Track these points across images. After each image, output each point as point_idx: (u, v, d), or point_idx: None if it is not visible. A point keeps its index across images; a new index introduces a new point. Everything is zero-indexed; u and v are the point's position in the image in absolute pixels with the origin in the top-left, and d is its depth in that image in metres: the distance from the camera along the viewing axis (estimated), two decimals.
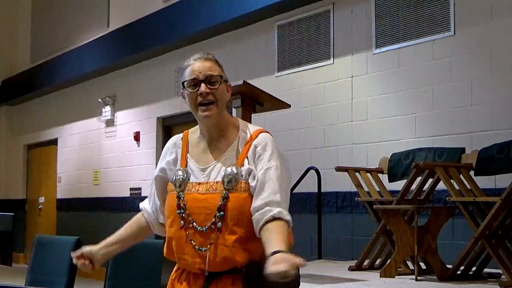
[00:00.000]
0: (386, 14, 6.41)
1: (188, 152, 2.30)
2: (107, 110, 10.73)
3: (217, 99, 2.21)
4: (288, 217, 2.12)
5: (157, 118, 9.70)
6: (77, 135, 11.79)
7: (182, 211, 2.18)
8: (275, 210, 2.09)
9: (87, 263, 2.38)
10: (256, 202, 2.12)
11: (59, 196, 12.28)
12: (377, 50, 6.48)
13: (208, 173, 2.22)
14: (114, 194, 10.51)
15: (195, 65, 2.24)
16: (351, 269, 5.24)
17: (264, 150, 2.19)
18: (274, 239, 2.03)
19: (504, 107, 5.42)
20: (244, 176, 2.16)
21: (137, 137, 10.05)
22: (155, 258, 4.32)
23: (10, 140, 14.10)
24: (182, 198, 2.20)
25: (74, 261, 2.38)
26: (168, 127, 9.68)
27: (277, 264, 1.88)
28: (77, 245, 4.45)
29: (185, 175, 2.23)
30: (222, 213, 2.12)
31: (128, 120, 10.35)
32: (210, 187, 2.18)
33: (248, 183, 2.16)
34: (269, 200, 2.11)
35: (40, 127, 13.08)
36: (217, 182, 2.18)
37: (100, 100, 10.84)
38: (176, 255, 2.23)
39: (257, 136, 2.22)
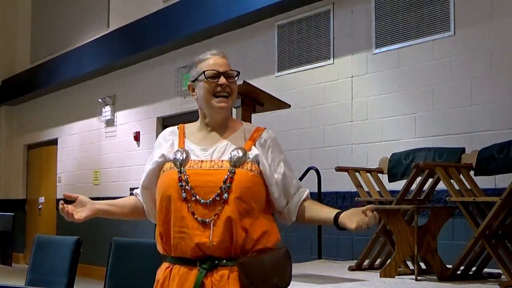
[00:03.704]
0: (386, 14, 6.41)
1: (185, 137, 2.38)
2: (107, 110, 10.74)
3: (233, 92, 2.34)
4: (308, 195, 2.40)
5: (157, 118, 9.70)
6: (77, 135, 11.79)
7: (184, 183, 2.22)
8: (307, 191, 2.38)
9: (70, 210, 2.46)
10: (291, 189, 2.35)
11: (59, 196, 12.27)
12: (377, 50, 6.48)
13: (210, 153, 2.29)
14: (114, 194, 10.51)
15: (214, 59, 2.35)
16: (351, 269, 5.24)
17: (274, 145, 2.36)
18: (325, 207, 2.37)
19: (504, 107, 5.42)
20: (251, 159, 2.26)
21: (137, 137, 10.05)
22: (155, 258, 4.32)
23: (10, 140, 14.10)
24: (184, 172, 2.24)
25: (60, 205, 2.42)
26: (168, 127, 9.67)
27: (358, 215, 2.29)
28: (77, 245, 4.44)
29: (185, 154, 2.30)
30: (229, 184, 2.19)
31: (128, 120, 10.35)
32: (215, 164, 2.25)
33: (256, 166, 2.26)
34: (298, 185, 2.38)
35: (40, 127, 13.08)
36: (222, 160, 2.25)
37: (100, 100, 10.84)
38: (173, 230, 2.22)
39: (265, 130, 2.37)
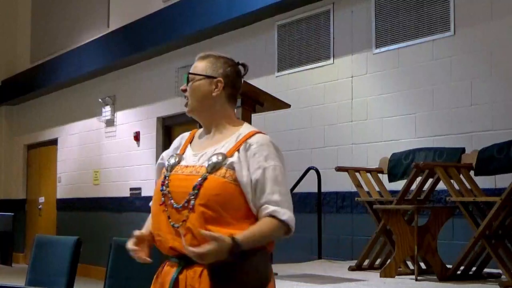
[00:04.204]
0: (386, 14, 6.41)
1: (190, 142, 2.40)
2: (107, 110, 10.74)
3: (189, 96, 2.34)
4: (284, 216, 2.18)
5: (157, 118, 9.70)
6: (77, 135, 11.79)
7: (164, 188, 2.26)
8: (271, 208, 2.18)
9: (144, 253, 2.34)
10: (258, 202, 2.20)
11: (59, 196, 12.28)
12: (377, 50, 6.48)
13: (198, 158, 2.30)
14: (114, 194, 10.52)
15: (194, 64, 2.38)
16: (351, 269, 5.24)
17: (260, 150, 2.23)
18: (247, 230, 2.14)
19: (504, 107, 5.42)
20: (227, 165, 2.21)
21: (137, 137, 10.05)
22: (155, 258, 4.32)
23: (10, 140, 14.10)
24: (167, 177, 2.28)
25: (134, 254, 2.34)
26: (168, 127, 9.68)
27: (205, 245, 2.07)
28: (77, 245, 4.44)
29: (178, 159, 2.32)
30: (196, 191, 2.18)
31: (128, 120, 10.35)
32: (194, 170, 2.25)
33: (232, 172, 2.20)
34: (268, 199, 2.19)
35: (40, 127, 13.08)
36: (201, 166, 2.25)
37: (100, 100, 10.84)
38: (153, 231, 2.31)
39: (253, 135, 2.28)
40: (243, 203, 2.19)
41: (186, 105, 2.36)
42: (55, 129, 12.54)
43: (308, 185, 6.65)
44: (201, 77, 2.33)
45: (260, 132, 2.31)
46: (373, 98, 6.51)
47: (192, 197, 2.18)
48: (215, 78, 2.33)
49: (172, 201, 2.22)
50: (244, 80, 4.20)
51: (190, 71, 2.36)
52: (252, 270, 2.17)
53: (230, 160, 2.22)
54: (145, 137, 9.94)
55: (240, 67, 2.43)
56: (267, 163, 2.21)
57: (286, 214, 2.19)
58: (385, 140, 6.33)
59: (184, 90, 2.35)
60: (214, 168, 2.21)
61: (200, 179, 2.19)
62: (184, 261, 2.20)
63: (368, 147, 6.49)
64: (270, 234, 2.19)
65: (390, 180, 5.47)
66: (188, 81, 2.35)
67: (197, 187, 2.18)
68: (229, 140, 2.29)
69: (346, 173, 5.54)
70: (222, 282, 2.14)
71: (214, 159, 2.23)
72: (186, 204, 2.19)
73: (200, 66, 2.35)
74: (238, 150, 2.24)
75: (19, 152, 13.85)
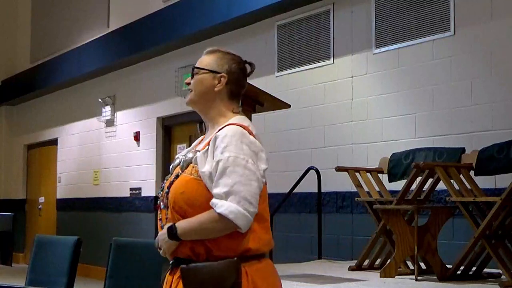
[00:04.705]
0: (386, 14, 6.41)
1: (200, 141, 2.41)
2: (107, 110, 10.74)
3: (192, 88, 2.36)
4: (220, 209, 2.11)
5: (157, 118, 9.70)
6: (77, 135, 11.79)
7: (160, 190, 2.31)
8: (213, 200, 2.13)
9: None
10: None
11: (59, 196, 12.28)
12: (377, 50, 6.48)
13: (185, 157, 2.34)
14: (114, 194, 10.52)
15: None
16: (351, 269, 5.24)
17: (221, 142, 2.18)
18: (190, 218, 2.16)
19: (504, 107, 5.42)
20: (194, 161, 2.22)
21: (137, 137, 10.05)
22: (155, 258, 4.32)
23: (10, 140, 14.10)
24: (165, 180, 2.32)
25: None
26: (168, 127, 9.68)
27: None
28: (77, 245, 4.44)
29: (178, 160, 2.33)
30: (167, 190, 2.24)
31: (128, 120, 10.35)
32: (177, 170, 2.29)
33: (196, 168, 2.20)
34: (213, 192, 2.15)
35: (40, 127, 13.08)
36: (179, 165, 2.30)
37: (100, 100, 10.84)
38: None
39: (224, 128, 2.23)
40: (211, 198, 2.15)
41: (188, 95, 2.38)
42: (55, 129, 12.54)
43: (308, 185, 6.65)
44: (205, 71, 2.33)
45: (235, 124, 2.24)
46: (373, 98, 6.51)
47: (166, 197, 2.24)
48: (219, 73, 2.33)
49: (161, 202, 2.27)
50: None
51: (196, 65, 2.37)
52: (217, 278, 2.12)
53: (197, 155, 2.23)
54: (145, 137, 9.93)
55: (247, 66, 2.40)
56: (222, 155, 2.15)
57: (224, 206, 2.10)
58: (385, 140, 6.33)
59: (189, 83, 2.37)
60: (185, 166, 2.23)
61: (173, 178, 2.24)
62: (173, 263, 2.25)
63: (368, 147, 6.49)
64: (209, 225, 2.12)
65: (390, 180, 5.47)
66: (193, 75, 2.36)
67: (169, 187, 2.24)
68: (211, 136, 2.29)
69: (346, 173, 5.54)
70: (190, 284, 2.15)
71: (187, 156, 2.26)
72: (167, 204, 2.23)
73: (206, 60, 2.36)
74: (209, 144, 2.23)
75: (19, 152, 13.85)
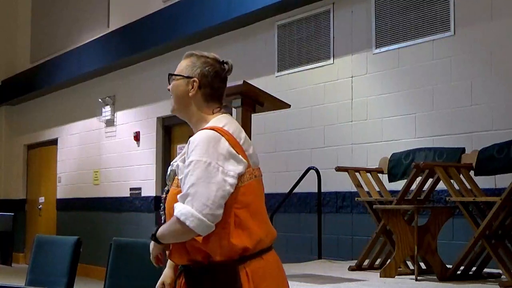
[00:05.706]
0: (386, 14, 6.41)
1: None
2: (107, 110, 10.74)
3: (171, 94, 2.39)
4: (175, 211, 2.11)
5: (157, 118, 9.70)
6: (77, 135, 11.79)
7: (161, 205, 2.33)
8: (174, 205, 2.13)
9: None
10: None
11: (59, 196, 12.28)
12: (377, 50, 6.48)
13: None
14: (114, 194, 10.52)
15: None
16: (351, 269, 5.24)
17: (190, 148, 2.17)
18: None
19: (504, 107, 5.42)
20: (177, 172, 2.24)
21: (137, 137, 10.05)
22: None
23: (10, 140, 14.11)
24: (163, 193, 2.34)
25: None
26: (168, 127, 9.68)
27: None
28: (77, 245, 4.44)
29: (168, 171, 2.34)
30: (162, 206, 2.27)
31: (128, 120, 10.35)
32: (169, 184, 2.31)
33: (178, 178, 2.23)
34: (178, 196, 2.15)
35: (40, 127, 13.08)
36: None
37: (100, 100, 10.84)
38: None
39: (197, 133, 2.22)
40: None
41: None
42: (55, 129, 12.54)
43: (308, 185, 6.65)
44: (179, 77, 2.35)
45: (207, 128, 2.21)
46: (373, 98, 6.51)
47: (163, 212, 2.28)
48: (191, 78, 2.32)
49: (163, 217, 2.30)
50: (244, 80, 4.22)
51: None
52: (215, 280, 2.15)
53: (179, 165, 2.23)
54: (145, 137, 9.93)
55: (225, 66, 2.35)
56: (188, 160, 2.14)
57: (177, 209, 2.09)
58: (385, 140, 6.33)
59: (169, 90, 2.40)
60: (172, 178, 2.26)
61: (164, 193, 2.27)
62: (181, 268, 2.27)
63: (368, 147, 6.49)
64: (171, 228, 2.14)
65: (390, 180, 5.47)
66: (169, 82, 2.38)
67: (164, 202, 2.27)
68: None
69: (346, 173, 5.54)
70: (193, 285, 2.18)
71: (173, 166, 2.27)
72: (165, 220, 2.26)
73: (181, 65, 2.37)
74: (186, 152, 2.21)
75: (19, 152, 13.85)
